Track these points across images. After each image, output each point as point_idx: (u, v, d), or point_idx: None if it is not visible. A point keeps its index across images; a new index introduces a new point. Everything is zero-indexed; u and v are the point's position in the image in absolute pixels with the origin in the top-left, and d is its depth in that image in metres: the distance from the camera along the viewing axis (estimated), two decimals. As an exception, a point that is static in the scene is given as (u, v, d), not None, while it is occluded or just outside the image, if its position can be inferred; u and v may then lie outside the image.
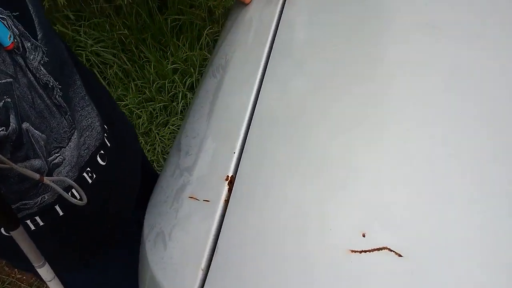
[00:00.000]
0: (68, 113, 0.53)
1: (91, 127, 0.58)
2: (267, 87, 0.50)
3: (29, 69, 0.47)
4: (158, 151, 1.67)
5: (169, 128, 1.71)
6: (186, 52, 1.85)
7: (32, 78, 0.48)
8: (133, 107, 1.74)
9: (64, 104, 0.52)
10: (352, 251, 0.34)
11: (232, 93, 0.52)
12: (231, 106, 0.50)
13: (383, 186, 0.38)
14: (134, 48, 1.85)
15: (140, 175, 0.77)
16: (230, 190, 0.43)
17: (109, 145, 0.62)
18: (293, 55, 0.53)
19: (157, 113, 1.76)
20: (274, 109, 0.48)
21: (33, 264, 0.67)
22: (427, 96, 0.43)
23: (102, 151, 0.60)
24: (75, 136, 0.54)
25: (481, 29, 0.45)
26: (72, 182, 0.52)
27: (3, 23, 0.42)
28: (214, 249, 0.38)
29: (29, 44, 0.47)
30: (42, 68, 0.49)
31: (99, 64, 1.82)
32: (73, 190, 0.56)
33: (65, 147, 0.53)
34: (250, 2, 0.62)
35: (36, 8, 0.48)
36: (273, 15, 0.58)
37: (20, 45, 0.46)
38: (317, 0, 0.58)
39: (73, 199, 0.52)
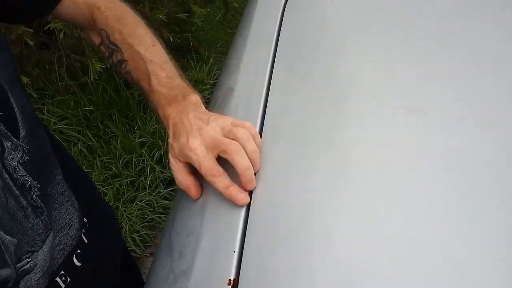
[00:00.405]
0: (45, 214, 0.50)
1: (69, 224, 0.55)
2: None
3: (5, 170, 0.46)
4: (125, 230, 1.59)
5: (137, 204, 1.65)
6: (154, 125, 1.85)
7: (8, 179, 0.46)
8: (98, 184, 1.68)
9: (41, 204, 0.50)
10: None
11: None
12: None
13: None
14: (99, 124, 1.82)
15: (118, 270, 0.72)
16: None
17: (86, 241, 0.59)
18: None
19: (123, 189, 1.70)
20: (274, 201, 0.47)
21: None
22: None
23: (79, 250, 0.57)
24: (50, 238, 0.51)
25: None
26: None
27: None
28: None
29: (9, 144, 0.47)
30: (21, 168, 0.48)
31: (62, 142, 1.77)
32: (57, 279, 0.54)
33: (38, 251, 0.49)
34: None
35: (20, 107, 0.48)
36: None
37: None
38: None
39: None
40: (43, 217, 0.50)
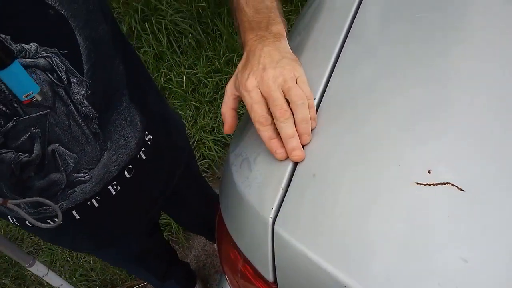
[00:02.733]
0: (101, 138, 0.56)
1: (126, 145, 0.61)
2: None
3: (71, 101, 0.51)
4: (219, 119, 1.78)
5: (232, 99, 1.80)
6: (257, 29, 1.91)
7: (73, 109, 0.51)
8: (201, 76, 1.85)
9: (99, 131, 0.56)
10: (418, 183, 0.39)
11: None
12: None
13: (450, 131, 0.42)
14: (209, 21, 1.95)
15: (175, 177, 0.78)
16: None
17: (144, 157, 0.64)
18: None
19: (222, 83, 1.85)
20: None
21: (23, 265, 0.74)
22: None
23: (130, 166, 0.63)
24: (104, 157, 0.58)
25: None
26: (48, 202, 0.52)
27: (32, 76, 0.45)
28: (293, 173, 0.45)
29: (75, 80, 0.50)
30: (85, 101, 0.52)
31: (175, 33, 1.95)
32: (109, 187, 0.60)
33: (94, 168, 0.57)
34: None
35: (90, 41, 0.49)
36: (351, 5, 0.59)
37: (65, 78, 0.49)
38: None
39: (40, 223, 0.53)
40: (100, 141, 0.56)
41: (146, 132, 0.64)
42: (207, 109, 1.80)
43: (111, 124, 0.57)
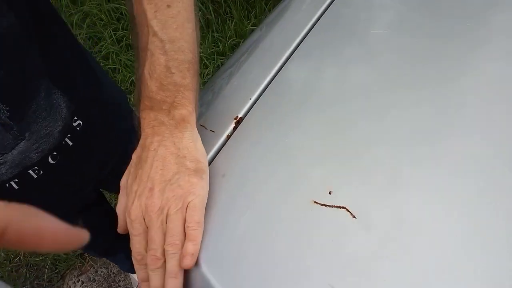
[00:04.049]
0: (14, 129, 0.53)
1: (50, 134, 0.58)
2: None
3: None
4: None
5: (230, 85, 1.78)
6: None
7: None
8: (204, 56, 1.83)
9: (10, 122, 0.52)
10: (315, 202, 0.37)
11: (270, 48, 0.55)
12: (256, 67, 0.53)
13: (367, 157, 0.40)
14: (222, 1, 1.91)
15: (112, 160, 0.74)
16: (235, 128, 0.47)
17: (70, 144, 0.61)
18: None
19: (224, 68, 1.83)
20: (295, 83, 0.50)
21: None
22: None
23: (55, 152, 0.60)
24: (21, 146, 0.55)
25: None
26: None
27: None
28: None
29: None
30: None
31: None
32: (30, 171, 0.57)
33: (7, 153, 0.55)
34: None
35: (1, 32, 0.45)
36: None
37: None
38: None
39: None
40: (13, 131, 0.53)
41: (75, 118, 0.61)
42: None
43: (30, 116, 0.53)
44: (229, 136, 0.47)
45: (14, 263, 1.53)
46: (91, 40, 1.93)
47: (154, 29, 0.39)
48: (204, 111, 0.51)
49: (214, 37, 1.88)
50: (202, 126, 0.49)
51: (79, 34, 1.90)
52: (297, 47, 0.54)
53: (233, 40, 1.85)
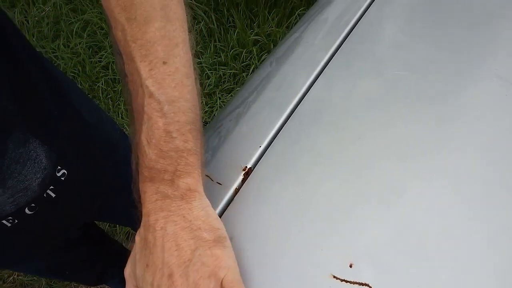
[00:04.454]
0: None
1: (27, 188, 0.52)
2: (317, 87, 0.49)
3: None
4: (214, 114, 1.72)
5: (231, 96, 1.75)
6: (272, 27, 1.84)
7: None
8: (206, 66, 1.79)
9: None
10: (334, 276, 0.33)
11: (280, 88, 0.52)
12: (272, 102, 0.50)
13: (383, 226, 0.36)
14: (225, 10, 1.88)
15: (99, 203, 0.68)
16: (244, 180, 0.44)
17: (53, 195, 0.55)
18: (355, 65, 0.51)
19: (225, 78, 1.79)
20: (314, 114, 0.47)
21: None
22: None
23: (33, 204, 0.54)
24: None
25: None
26: None
27: None
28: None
29: None
30: None
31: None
32: (4, 221, 0.52)
33: None
34: None
35: None
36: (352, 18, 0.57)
37: None
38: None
39: None
40: None
41: (59, 167, 0.54)
42: (204, 102, 1.74)
43: (3, 172, 0.48)
44: (237, 190, 0.43)
45: (8, 283, 1.49)
46: (91, 49, 1.89)
47: (150, 90, 0.34)
48: (210, 158, 0.47)
49: (216, 46, 1.85)
50: (208, 177, 0.45)
51: (79, 43, 1.86)
52: (310, 87, 0.51)
53: (236, 50, 1.82)
